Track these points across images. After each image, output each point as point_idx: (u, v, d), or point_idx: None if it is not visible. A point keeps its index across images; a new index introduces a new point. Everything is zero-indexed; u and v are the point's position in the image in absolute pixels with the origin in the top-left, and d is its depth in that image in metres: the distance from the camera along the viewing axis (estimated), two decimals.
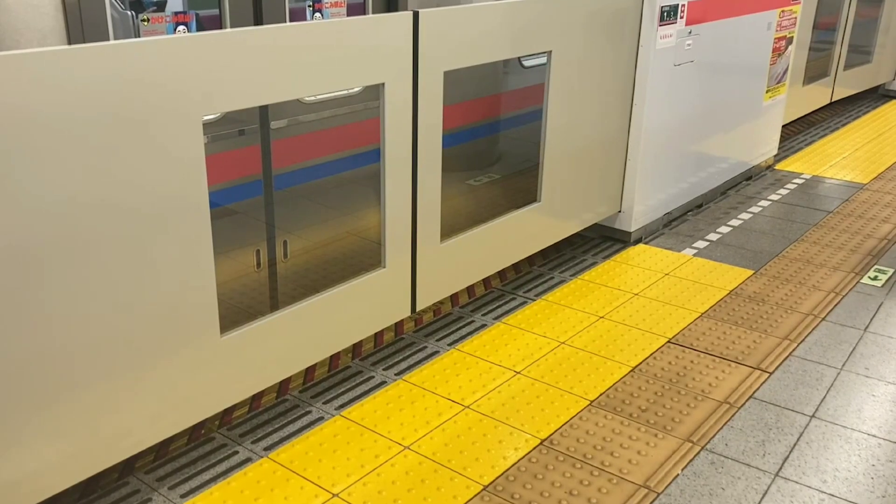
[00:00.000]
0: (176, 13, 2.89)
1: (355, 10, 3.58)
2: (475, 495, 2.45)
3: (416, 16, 2.82)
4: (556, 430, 2.76)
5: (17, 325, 2.01)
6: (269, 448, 2.66)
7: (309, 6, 3.36)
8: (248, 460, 2.60)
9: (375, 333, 3.33)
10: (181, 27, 2.88)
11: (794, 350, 3.28)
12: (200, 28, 2.98)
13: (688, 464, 2.59)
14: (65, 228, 2.04)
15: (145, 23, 2.79)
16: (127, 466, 2.60)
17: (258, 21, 3.12)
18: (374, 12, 3.61)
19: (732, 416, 2.84)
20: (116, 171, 2.11)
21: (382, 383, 3.03)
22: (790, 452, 2.65)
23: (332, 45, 2.59)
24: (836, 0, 6.67)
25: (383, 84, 2.79)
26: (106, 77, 2.03)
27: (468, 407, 2.88)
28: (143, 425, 2.35)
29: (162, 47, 2.14)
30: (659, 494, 2.45)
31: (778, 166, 5.75)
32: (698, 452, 2.65)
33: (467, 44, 3.10)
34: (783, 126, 5.88)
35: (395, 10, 3.66)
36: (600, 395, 2.97)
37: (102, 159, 2.07)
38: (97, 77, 2.01)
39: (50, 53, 1.93)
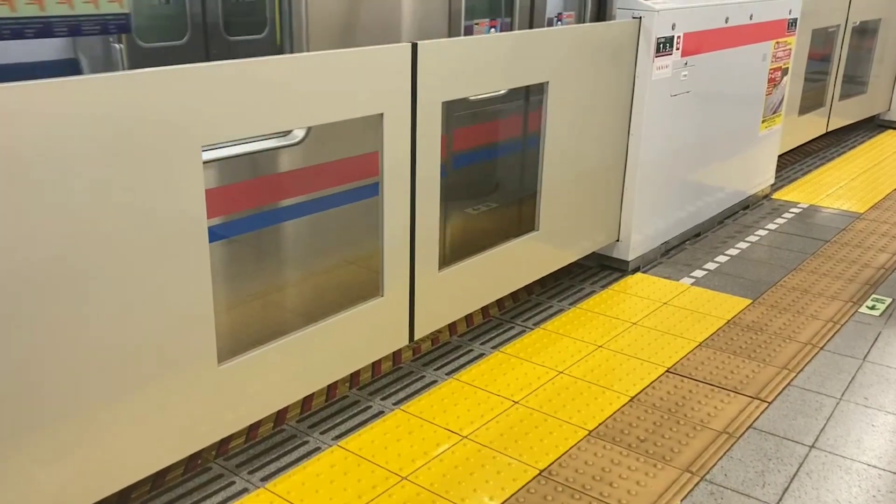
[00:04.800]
0: (490, 19, 3.84)
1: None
2: None
3: (414, 47, 2.86)
4: (554, 461, 2.74)
5: (11, 353, 2.00)
6: (266, 478, 2.64)
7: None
8: (244, 491, 2.59)
9: (373, 363, 3.32)
10: (493, 29, 3.80)
11: (792, 379, 3.27)
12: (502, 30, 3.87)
13: (687, 494, 2.58)
14: (61, 257, 2.04)
15: (477, 26, 3.74)
16: (122, 497, 2.58)
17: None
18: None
19: (731, 446, 2.83)
20: (114, 201, 2.11)
21: (380, 413, 3.02)
22: (790, 483, 2.64)
23: (332, 76, 2.61)
24: (830, 32, 6.74)
25: (382, 114, 2.81)
26: (106, 108, 2.04)
27: (466, 437, 2.87)
28: (139, 455, 2.34)
29: (166, 78, 2.16)
30: None
31: (775, 196, 5.78)
32: (697, 483, 2.63)
33: (465, 75, 3.13)
34: (779, 156, 5.91)
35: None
36: (599, 424, 2.95)
37: (101, 189, 2.08)
38: (97, 108, 2.03)
39: (49, 85, 1.95)
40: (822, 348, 3.53)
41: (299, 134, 2.95)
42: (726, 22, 4.56)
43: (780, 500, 2.56)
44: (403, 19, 3.25)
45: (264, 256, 3.11)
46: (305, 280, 3.22)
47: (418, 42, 2.87)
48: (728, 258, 4.59)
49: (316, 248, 3.26)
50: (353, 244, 3.32)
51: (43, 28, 2.37)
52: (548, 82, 3.55)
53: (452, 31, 3.48)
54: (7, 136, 1.88)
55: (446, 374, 3.30)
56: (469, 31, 3.71)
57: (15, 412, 2.04)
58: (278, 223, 3.07)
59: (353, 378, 3.26)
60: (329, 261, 3.26)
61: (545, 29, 3.58)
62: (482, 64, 3.19)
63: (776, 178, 5.97)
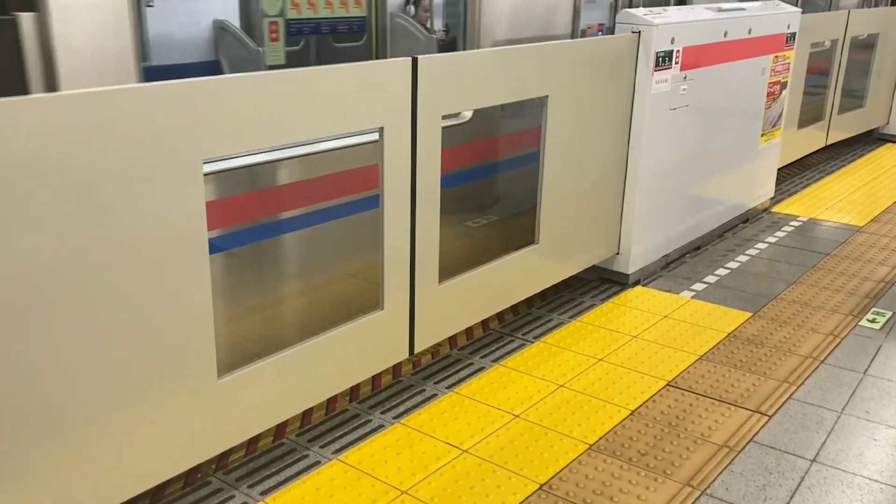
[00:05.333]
0: (599, 24, 4.38)
1: None
2: None
3: (414, 61, 2.87)
4: (555, 475, 2.73)
5: (7, 367, 2.00)
6: (265, 492, 2.63)
7: None
8: None
9: (373, 376, 3.32)
10: (599, 32, 4.29)
11: (793, 393, 3.26)
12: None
13: None
14: (59, 270, 2.04)
15: (589, 29, 4.21)
16: None
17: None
18: None
19: (732, 459, 2.82)
20: (115, 214, 2.12)
21: (380, 427, 3.01)
22: (791, 498, 2.63)
23: (333, 90, 2.62)
24: (828, 46, 6.77)
25: (382, 128, 2.82)
26: (109, 121, 2.05)
27: (466, 451, 2.86)
28: (138, 469, 2.34)
29: (167, 92, 2.17)
30: None
31: (775, 209, 5.79)
32: (698, 497, 2.62)
33: (465, 89, 3.14)
34: (779, 169, 5.92)
35: None
36: (600, 438, 2.95)
37: (101, 202, 2.08)
38: (99, 121, 2.04)
39: (51, 99, 1.96)
40: (822, 362, 3.53)
41: (468, 115, 3.57)
42: (725, 36, 4.58)
43: None
44: (542, 20, 4.05)
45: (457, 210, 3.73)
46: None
47: (418, 56, 2.89)
48: (728, 271, 4.59)
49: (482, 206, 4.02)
50: (509, 203, 4.12)
51: (315, 26, 3.09)
52: (547, 96, 3.56)
53: (574, 33, 4.25)
54: (7, 148, 1.89)
55: (446, 388, 3.29)
56: (583, 34, 4.25)
57: (11, 426, 2.03)
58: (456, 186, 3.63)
59: (353, 391, 3.26)
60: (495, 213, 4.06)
61: (545, 43, 3.61)
62: (482, 78, 3.21)
63: (776, 191, 5.98)
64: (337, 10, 3.10)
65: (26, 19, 2.21)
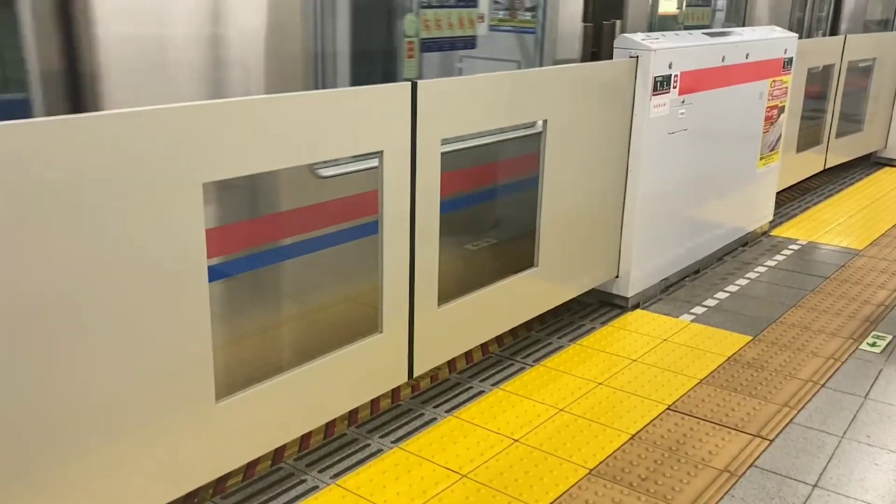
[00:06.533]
0: None
1: None
2: None
3: (414, 86, 2.89)
4: (555, 500, 2.71)
5: (4, 391, 1.99)
6: None
7: None
8: None
9: (372, 400, 3.30)
10: None
11: (794, 417, 3.25)
12: None
13: None
14: (55, 295, 2.04)
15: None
16: None
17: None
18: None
19: (733, 485, 2.80)
20: (114, 237, 2.12)
21: (379, 451, 2.99)
22: None
23: (333, 114, 2.64)
24: (825, 71, 6.81)
25: (382, 151, 2.83)
26: (106, 145, 2.06)
27: (465, 476, 2.84)
28: (135, 494, 2.32)
29: (163, 116, 2.18)
30: None
31: (774, 232, 5.79)
32: None
33: (464, 113, 3.16)
34: (778, 193, 5.94)
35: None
36: (599, 463, 2.93)
37: (100, 226, 2.09)
38: (96, 145, 2.04)
39: (49, 123, 1.97)
40: (823, 386, 3.51)
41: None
42: (723, 61, 4.61)
43: None
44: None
45: None
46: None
47: (417, 81, 2.90)
48: (728, 295, 4.58)
49: None
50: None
51: None
52: (546, 120, 3.58)
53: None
54: (3, 174, 1.89)
55: (445, 412, 3.28)
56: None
57: (7, 454, 2.02)
58: None
59: (352, 415, 3.24)
60: None
61: (544, 68, 3.64)
62: (481, 102, 3.23)
63: (775, 214, 5.99)
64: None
65: (618, 24, 4.21)
